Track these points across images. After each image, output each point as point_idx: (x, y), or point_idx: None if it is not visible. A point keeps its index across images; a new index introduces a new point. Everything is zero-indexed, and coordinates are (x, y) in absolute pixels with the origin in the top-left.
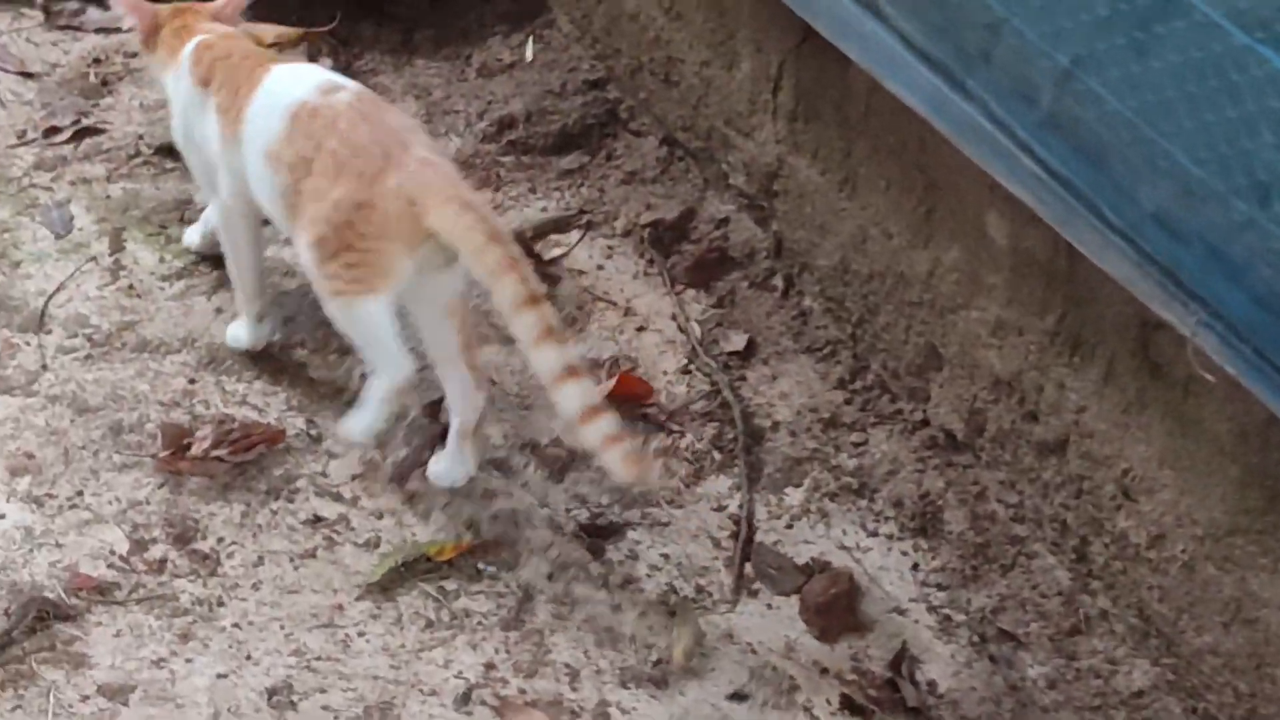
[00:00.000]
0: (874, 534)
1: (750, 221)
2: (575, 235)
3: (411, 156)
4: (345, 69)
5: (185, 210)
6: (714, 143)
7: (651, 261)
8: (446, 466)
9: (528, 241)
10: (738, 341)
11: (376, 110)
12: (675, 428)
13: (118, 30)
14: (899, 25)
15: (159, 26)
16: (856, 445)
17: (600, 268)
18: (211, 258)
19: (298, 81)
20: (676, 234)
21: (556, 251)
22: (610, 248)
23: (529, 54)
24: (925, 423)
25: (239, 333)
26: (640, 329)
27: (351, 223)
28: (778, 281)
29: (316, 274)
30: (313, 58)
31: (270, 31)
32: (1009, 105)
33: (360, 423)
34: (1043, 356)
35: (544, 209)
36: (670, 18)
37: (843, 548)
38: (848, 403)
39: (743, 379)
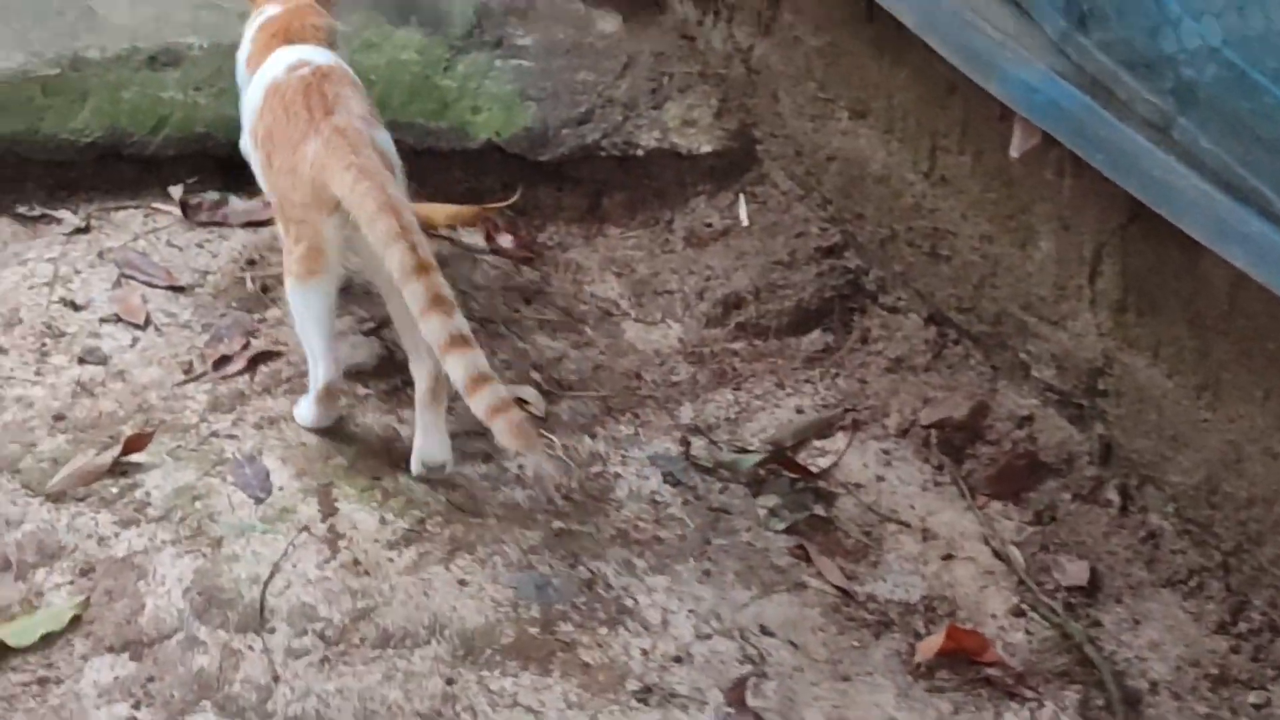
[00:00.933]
0: None
1: (1061, 419)
2: (841, 439)
3: (330, 123)
4: (529, 245)
5: (392, 448)
6: (1006, 329)
7: (941, 468)
8: (422, 445)
9: (788, 453)
10: (1076, 573)
11: (321, 81)
12: (1030, 694)
13: (268, 222)
14: None
15: None
16: (1258, 708)
17: (880, 478)
18: (438, 512)
19: (280, 61)
20: (968, 434)
21: (824, 461)
22: (886, 452)
23: (744, 217)
24: None
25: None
26: (947, 557)
27: (287, 192)
28: (1110, 494)
29: (286, 260)
30: (490, 235)
31: (440, 211)
32: None
33: (306, 414)
34: None
35: (798, 408)
36: (933, 183)
37: None
38: (1234, 651)
39: (1096, 623)
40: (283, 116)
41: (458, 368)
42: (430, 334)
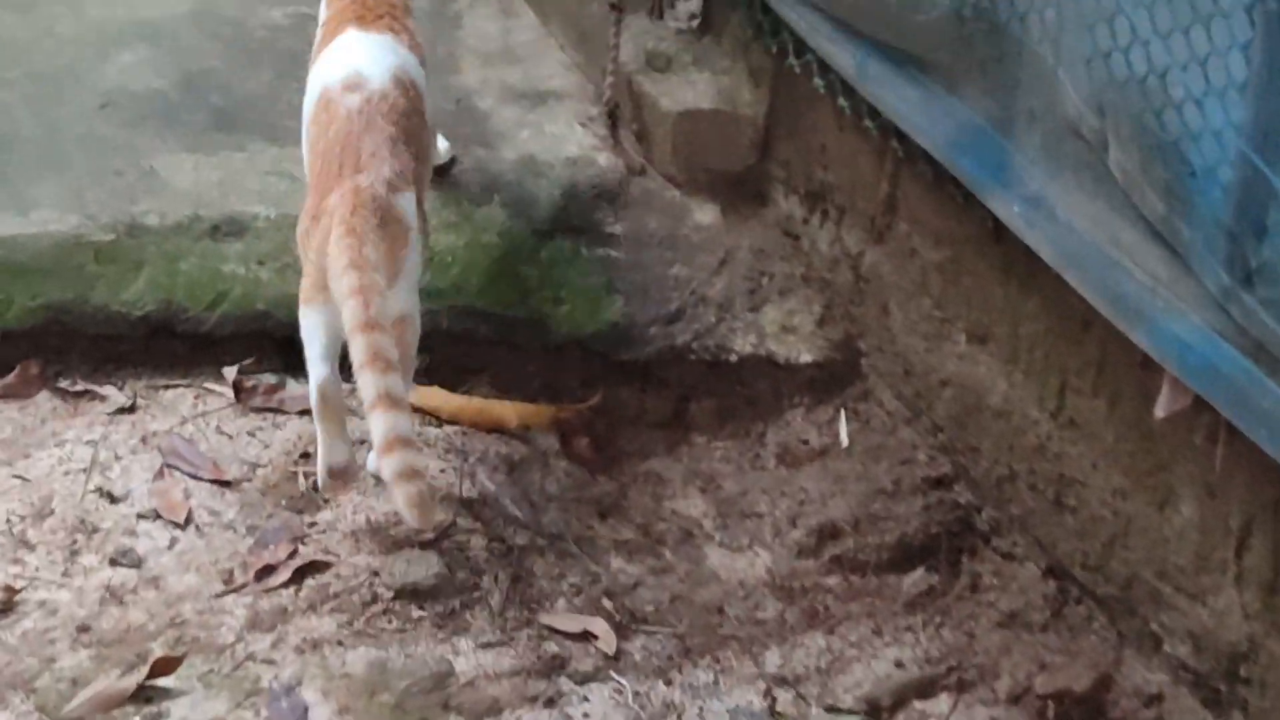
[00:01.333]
0: None
1: (1194, 702)
2: (945, 701)
3: (353, 180)
4: (607, 451)
5: (447, 687)
6: (1136, 595)
7: None
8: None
9: (885, 715)
10: None
11: (366, 127)
12: None
13: None
14: None
15: None
16: None
17: None
18: None
19: (338, 64)
20: (1089, 709)
21: None
22: None
23: (844, 436)
24: None
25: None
26: None
27: (307, 231)
28: None
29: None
30: (565, 438)
31: (512, 410)
32: None
33: (321, 464)
34: None
35: (898, 660)
36: (1060, 424)
37: None
38: None
39: None
40: (323, 148)
41: (380, 425)
42: (363, 389)
